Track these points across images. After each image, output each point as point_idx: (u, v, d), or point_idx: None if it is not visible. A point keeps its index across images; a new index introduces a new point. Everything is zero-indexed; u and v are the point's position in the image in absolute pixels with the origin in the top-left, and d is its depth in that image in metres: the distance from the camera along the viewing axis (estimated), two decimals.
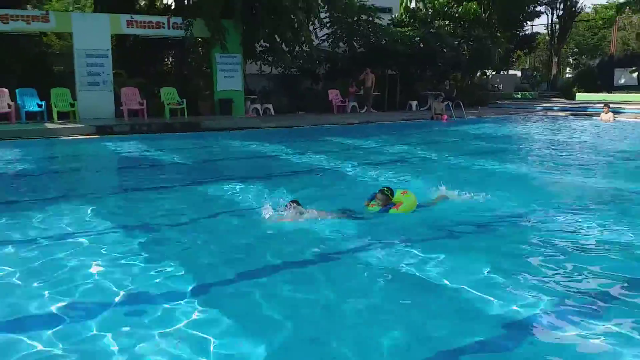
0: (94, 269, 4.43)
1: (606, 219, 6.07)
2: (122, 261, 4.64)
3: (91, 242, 5.18)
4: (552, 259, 4.73)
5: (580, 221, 6.02)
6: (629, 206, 6.96)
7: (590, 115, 22.08)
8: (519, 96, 37.22)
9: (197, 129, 16.62)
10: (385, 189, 6.37)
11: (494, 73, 36.72)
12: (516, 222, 6.14)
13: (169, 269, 4.44)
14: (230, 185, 8.03)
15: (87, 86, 17.84)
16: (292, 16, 19.40)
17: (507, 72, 44.74)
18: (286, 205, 5.86)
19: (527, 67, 55.77)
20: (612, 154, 11.82)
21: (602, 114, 19.67)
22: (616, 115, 19.93)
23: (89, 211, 6.38)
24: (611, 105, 20.43)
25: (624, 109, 22.31)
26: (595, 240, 5.33)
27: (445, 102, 21.55)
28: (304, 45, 20.91)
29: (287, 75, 23.99)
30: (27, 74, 17.99)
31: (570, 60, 63.30)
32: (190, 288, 4.04)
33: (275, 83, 23.93)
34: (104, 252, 4.89)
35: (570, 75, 52.16)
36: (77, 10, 18.40)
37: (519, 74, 51.12)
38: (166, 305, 3.70)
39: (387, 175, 9.14)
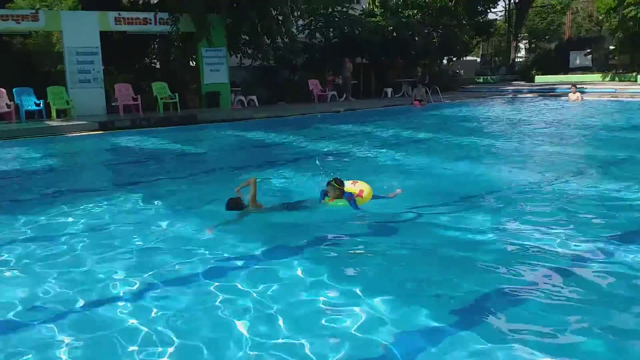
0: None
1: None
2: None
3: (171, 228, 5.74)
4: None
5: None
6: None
7: (559, 95, 23.52)
8: (481, 80, 38.68)
9: (194, 122, 17.14)
10: (332, 180, 6.01)
11: (454, 59, 38.09)
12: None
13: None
14: (272, 170, 8.81)
15: (79, 83, 18.12)
16: (276, 9, 20.04)
17: (466, 58, 46.27)
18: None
19: (480, 53, 57.62)
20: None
21: (570, 94, 21.06)
22: (582, 95, 21.34)
23: (142, 199, 6.97)
24: (577, 86, 21.88)
25: (586, 88, 23.81)
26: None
27: (423, 88, 22.57)
28: (285, 37, 21.58)
29: (265, 67, 24.54)
30: (17, 74, 18.11)
31: (521, 44, 65.59)
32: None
33: (254, 75, 24.48)
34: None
35: (521, 59, 54.20)
36: (44, 7, 18.52)
37: (477, 59, 52.78)
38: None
39: (405, 156, 10.04)
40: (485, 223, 5.44)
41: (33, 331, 3.44)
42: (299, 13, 21.49)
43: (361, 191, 5.98)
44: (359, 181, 6.21)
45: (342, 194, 5.92)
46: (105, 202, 6.78)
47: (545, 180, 7.44)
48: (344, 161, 9.87)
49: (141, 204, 6.75)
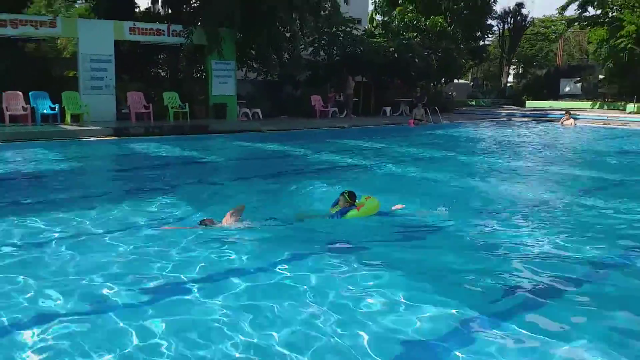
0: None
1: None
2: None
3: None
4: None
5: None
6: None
7: (551, 120, 24.37)
8: (474, 103, 39.62)
9: (206, 132, 17.60)
10: (345, 192, 6.50)
11: (449, 81, 39.06)
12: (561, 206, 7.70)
13: None
14: (293, 180, 9.32)
15: (91, 90, 18.49)
16: (285, 27, 20.69)
17: (458, 81, 47.39)
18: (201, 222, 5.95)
19: (470, 77, 58.97)
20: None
21: (564, 120, 21.88)
22: (575, 121, 22.18)
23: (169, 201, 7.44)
24: (571, 112, 22.74)
25: (578, 115, 24.69)
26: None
27: (423, 109, 23.27)
28: (292, 53, 22.22)
29: (269, 81, 25.17)
30: (31, 78, 18.46)
31: (509, 70, 67.28)
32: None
33: (258, 88, 25.03)
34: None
35: (510, 84, 55.60)
36: (50, 12, 19.15)
37: (468, 82, 53.90)
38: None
39: (418, 171, 10.62)
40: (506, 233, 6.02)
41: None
42: (307, 31, 22.08)
43: (361, 205, 6.41)
44: (371, 197, 6.64)
45: (349, 206, 6.41)
46: (139, 205, 7.20)
47: (557, 196, 8.07)
48: (360, 174, 10.44)
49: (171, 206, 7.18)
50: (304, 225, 6.36)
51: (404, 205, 6.90)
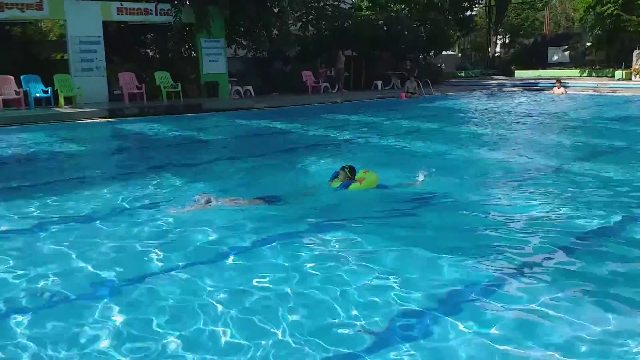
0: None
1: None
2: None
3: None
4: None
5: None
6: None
7: (542, 89, 24.54)
8: (463, 74, 39.67)
9: (200, 110, 17.58)
10: (346, 166, 6.63)
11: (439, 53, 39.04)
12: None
13: None
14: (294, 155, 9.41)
15: (82, 72, 18.37)
16: (274, 3, 20.56)
17: (446, 52, 47.39)
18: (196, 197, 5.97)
19: (458, 48, 58.94)
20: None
21: (555, 89, 22.07)
22: (566, 90, 22.36)
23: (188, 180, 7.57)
24: (561, 81, 22.92)
25: (568, 83, 24.86)
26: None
27: (415, 81, 23.31)
28: (281, 29, 22.12)
29: (258, 58, 25.05)
30: (19, 61, 18.29)
31: (497, 40, 67.24)
32: None
33: (247, 65, 24.93)
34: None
35: (497, 54, 55.70)
36: None
37: (456, 54, 53.85)
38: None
39: (413, 144, 10.75)
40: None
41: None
42: (295, 6, 21.96)
43: (362, 179, 6.53)
44: (369, 171, 6.75)
45: (348, 179, 6.53)
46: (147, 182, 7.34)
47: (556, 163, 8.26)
48: (356, 148, 10.54)
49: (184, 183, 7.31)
50: (308, 199, 6.44)
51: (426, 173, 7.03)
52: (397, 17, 26.66)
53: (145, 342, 3.12)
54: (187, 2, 19.87)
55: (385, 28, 26.11)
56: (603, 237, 4.93)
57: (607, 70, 32.13)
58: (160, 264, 4.35)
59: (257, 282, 3.93)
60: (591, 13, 31.39)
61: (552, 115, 15.73)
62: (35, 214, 5.83)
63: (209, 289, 3.83)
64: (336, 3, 26.03)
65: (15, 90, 16.42)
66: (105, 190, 6.84)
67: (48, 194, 6.58)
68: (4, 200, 6.32)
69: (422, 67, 29.83)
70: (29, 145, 11.27)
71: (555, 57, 39.22)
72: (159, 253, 4.53)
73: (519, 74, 36.62)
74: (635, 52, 28.60)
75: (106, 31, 19.47)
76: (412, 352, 2.97)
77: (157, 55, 23.33)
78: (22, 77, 16.80)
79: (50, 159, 9.87)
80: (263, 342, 3.09)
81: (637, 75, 26.38)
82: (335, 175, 6.64)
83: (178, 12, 19.44)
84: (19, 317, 3.43)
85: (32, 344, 3.12)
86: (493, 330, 3.18)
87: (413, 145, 10.56)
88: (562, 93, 21.61)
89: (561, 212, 5.67)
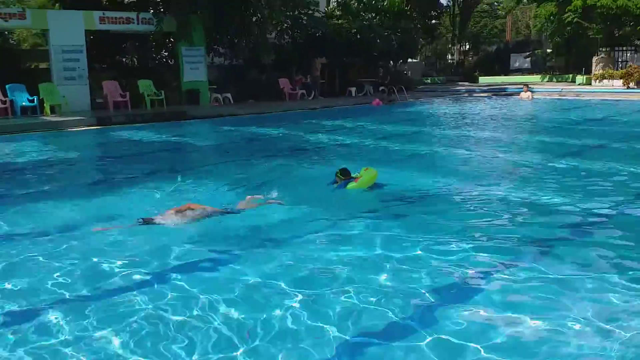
0: None
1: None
2: None
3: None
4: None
5: None
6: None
7: (510, 94, 25.65)
8: (429, 81, 40.76)
9: (184, 117, 17.93)
10: (338, 171, 7.25)
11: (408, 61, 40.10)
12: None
13: None
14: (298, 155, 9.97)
15: (64, 80, 18.53)
16: (255, 14, 21.08)
17: (412, 60, 48.60)
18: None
19: (421, 56, 60.43)
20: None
21: (522, 93, 23.17)
22: (532, 94, 23.48)
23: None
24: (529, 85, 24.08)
25: (534, 88, 26.03)
26: None
27: (389, 88, 24.11)
28: (260, 38, 22.59)
29: (234, 65, 25.49)
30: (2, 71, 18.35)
31: (460, 47, 69.17)
32: None
33: (224, 73, 25.30)
34: None
35: (461, 60, 57.38)
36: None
37: (420, 61, 55.17)
38: None
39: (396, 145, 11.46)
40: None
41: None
42: (275, 15, 22.50)
43: (359, 178, 7.14)
44: (369, 168, 7.36)
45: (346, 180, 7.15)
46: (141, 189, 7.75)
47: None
48: (343, 151, 11.16)
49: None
50: (310, 198, 6.95)
51: None
52: (370, 25, 27.42)
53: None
54: (168, 12, 20.15)
55: (358, 36, 26.84)
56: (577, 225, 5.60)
57: (567, 75, 33.62)
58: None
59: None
60: (552, 20, 32.71)
61: (522, 117, 16.78)
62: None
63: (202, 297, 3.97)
64: (310, 12, 26.67)
65: (1, 100, 16.50)
66: (96, 199, 7.19)
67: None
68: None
69: (393, 74, 30.69)
70: (33, 153, 11.52)
71: (517, 64, 40.68)
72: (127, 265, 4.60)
73: (483, 80, 37.87)
74: (594, 58, 30.11)
75: (87, 39, 19.67)
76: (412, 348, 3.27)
77: (137, 64, 23.54)
78: (7, 87, 16.89)
79: (49, 166, 10.17)
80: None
81: (597, 80, 27.78)
82: (334, 181, 7.23)
83: (160, 21, 19.77)
84: None
85: None
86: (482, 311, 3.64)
87: (407, 147, 11.25)
88: (529, 97, 22.72)
89: (542, 201, 6.48)
